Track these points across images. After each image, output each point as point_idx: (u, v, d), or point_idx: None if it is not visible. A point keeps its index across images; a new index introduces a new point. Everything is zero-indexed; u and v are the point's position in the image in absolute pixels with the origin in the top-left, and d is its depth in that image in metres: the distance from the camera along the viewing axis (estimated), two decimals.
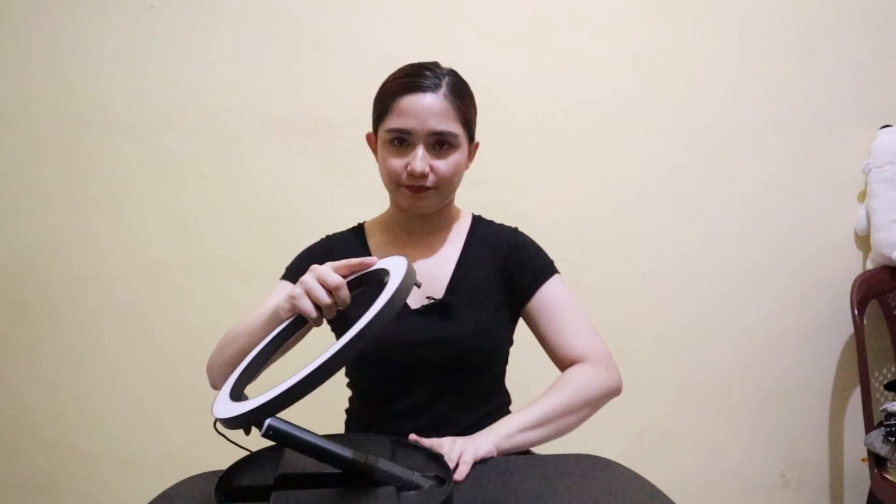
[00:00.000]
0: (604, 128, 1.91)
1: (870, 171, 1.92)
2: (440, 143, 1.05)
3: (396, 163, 1.06)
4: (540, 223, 1.82)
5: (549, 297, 1.12)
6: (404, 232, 1.17)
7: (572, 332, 1.10)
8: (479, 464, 0.91)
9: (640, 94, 1.90)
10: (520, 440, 0.99)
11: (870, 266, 1.97)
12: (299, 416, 0.98)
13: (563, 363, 1.12)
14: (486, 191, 1.84)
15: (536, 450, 1.07)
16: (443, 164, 1.06)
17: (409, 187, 1.07)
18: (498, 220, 1.23)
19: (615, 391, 1.09)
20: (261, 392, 0.73)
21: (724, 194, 1.96)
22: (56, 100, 1.85)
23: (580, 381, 1.06)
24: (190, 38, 1.84)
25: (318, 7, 1.84)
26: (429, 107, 1.03)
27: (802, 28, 1.93)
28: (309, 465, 0.80)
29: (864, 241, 1.99)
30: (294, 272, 1.16)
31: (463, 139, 1.08)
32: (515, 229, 1.21)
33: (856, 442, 2.03)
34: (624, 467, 0.93)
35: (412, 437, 0.94)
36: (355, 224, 1.24)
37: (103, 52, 1.84)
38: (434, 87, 1.05)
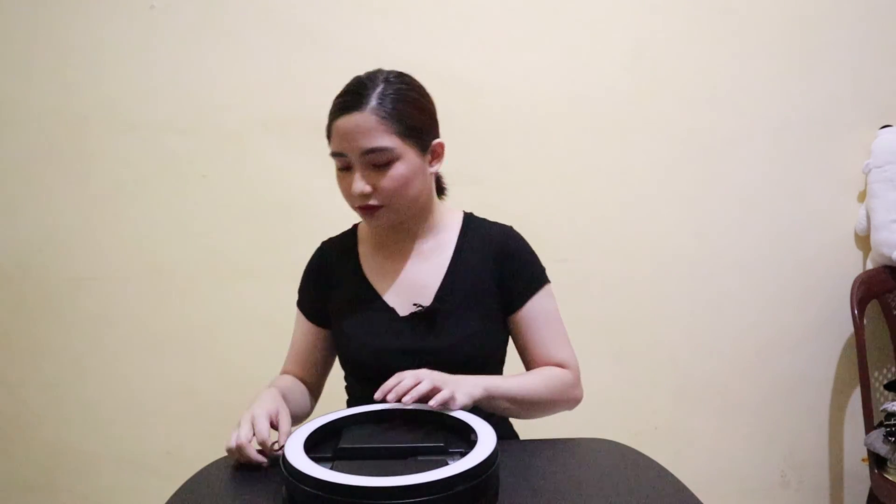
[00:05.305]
0: (603, 128, 1.91)
1: (870, 171, 1.92)
2: (377, 161, 1.02)
3: (344, 186, 1.07)
4: (539, 223, 1.82)
5: (538, 307, 1.13)
6: (391, 239, 1.16)
7: (556, 345, 1.14)
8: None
9: (640, 94, 1.90)
10: (498, 404, 1.04)
11: (870, 266, 1.97)
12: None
13: (538, 367, 1.15)
14: (485, 191, 1.85)
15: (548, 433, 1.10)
16: (384, 180, 1.03)
17: (360, 209, 1.06)
18: (498, 221, 1.21)
19: (576, 404, 1.15)
20: None
21: (723, 194, 1.96)
22: (57, 100, 1.85)
23: (562, 384, 1.11)
24: (190, 38, 1.84)
25: (318, 6, 1.84)
26: (356, 126, 1.01)
27: (802, 28, 1.93)
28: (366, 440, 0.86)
29: (864, 241, 1.99)
30: (301, 295, 1.23)
31: (404, 149, 1.03)
32: (509, 229, 1.19)
33: (856, 442, 2.03)
34: (636, 450, 0.98)
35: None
36: (351, 226, 1.24)
37: (103, 52, 1.84)
38: (360, 105, 1.01)
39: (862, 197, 1.99)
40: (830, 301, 1.98)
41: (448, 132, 1.82)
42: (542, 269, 1.17)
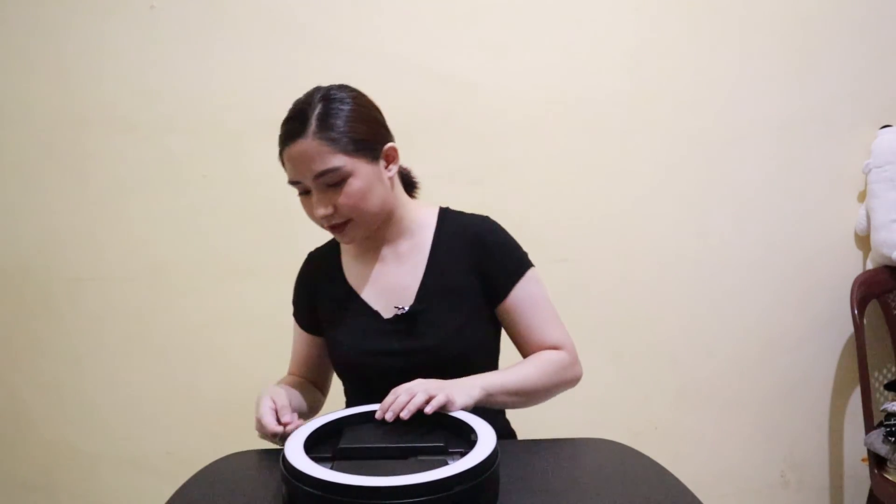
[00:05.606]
0: (604, 128, 1.91)
1: (870, 171, 1.92)
2: (329, 181, 1.03)
3: (307, 211, 1.09)
4: (539, 223, 1.83)
5: (524, 294, 1.13)
6: (369, 245, 1.17)
7: (547, 328, 1.14)
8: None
9: (640, 94, 1.90)
10: (498, 400, 1.04)
11: (870, 266, 1.97)
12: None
13: (534, 352, 1.15)
14: (485, 191, 1.85)
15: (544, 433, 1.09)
16: (342, 198, 1.04)
17: (329, 228, 1.09)
18: (499, 221, 1.20)
19: (576, 382, 1.15)
20: None
21: (723, 194, 1.96)
22: (56, 100, 1.85)
23: (559, 367, 1.11)
24: (190, 38, 1.84)
25: (318, 6, 1.83)
26: (302, 153, 1.02)
27: (803, 28, 1.93)
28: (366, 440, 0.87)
29: (864, 241, 1.99)
30: (295, 306, 1.26)
31: (354, 164, 1.04)
32: (485, 219, 1.17)
33: (856, 442, 2.03)
34: (636, 450, 0.98)
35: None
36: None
37: (103, 52, 1.84)
38: (302, 132, 1.02)
39: (862, 197, 1.99)
40: (830, 301, 1.98)
41: (448, 132, 1.84)
42: (523, 255, 1.15)
